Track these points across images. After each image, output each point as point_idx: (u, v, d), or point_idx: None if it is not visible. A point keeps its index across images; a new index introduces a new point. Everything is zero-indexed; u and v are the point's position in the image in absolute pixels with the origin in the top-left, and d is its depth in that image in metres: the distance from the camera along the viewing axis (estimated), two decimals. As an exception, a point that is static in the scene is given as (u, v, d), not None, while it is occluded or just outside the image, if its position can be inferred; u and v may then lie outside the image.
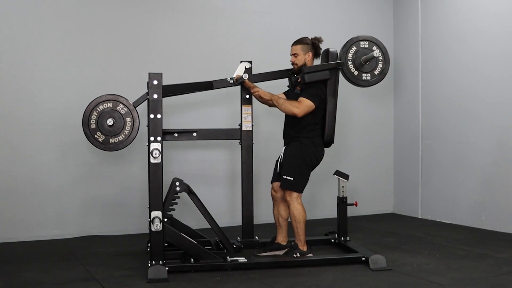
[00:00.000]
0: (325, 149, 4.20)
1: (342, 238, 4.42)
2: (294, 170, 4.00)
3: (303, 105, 3.97)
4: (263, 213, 5.21)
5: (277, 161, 4.20)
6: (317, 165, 4.14)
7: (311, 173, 4.13)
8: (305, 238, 4.04)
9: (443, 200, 5.66)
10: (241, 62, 4.24)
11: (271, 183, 4.21)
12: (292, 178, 3.99)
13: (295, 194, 4.00)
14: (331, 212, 4.84)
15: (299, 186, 4.02)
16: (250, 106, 4.34)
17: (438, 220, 5.68)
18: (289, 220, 4.15)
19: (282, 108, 4.03)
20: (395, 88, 6.32)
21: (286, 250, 4.08)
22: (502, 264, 3.87)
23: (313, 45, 4.13)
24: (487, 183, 5.19)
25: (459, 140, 5.49)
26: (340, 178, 4.45)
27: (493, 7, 5.15)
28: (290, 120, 4.13)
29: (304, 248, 4.01)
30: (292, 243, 4.05)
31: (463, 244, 4.51)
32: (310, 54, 4.12)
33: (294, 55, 4.15)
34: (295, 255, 3.96)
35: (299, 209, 3.99)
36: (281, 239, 4.16)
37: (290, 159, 4.04)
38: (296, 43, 4.16)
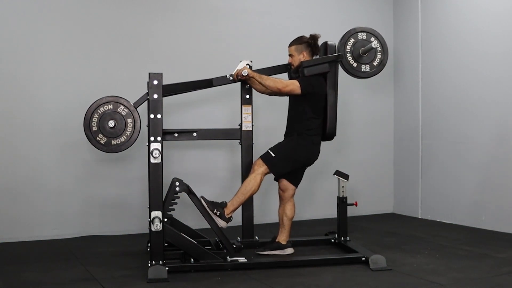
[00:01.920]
0: (326, 148, 4.20)
1: (342, 238, 4.42)
2: (282, 154, 4.00)
3: (289, 82, 4.00)
4: (263, 213, 5.21)
5: None
6: (309, 165, 4.14)
7: (310, 173, 4.12)
8: (238, 206, 3.92)
9: (443, 200, 5.66)
10: (241, 61, 4.25)
11: (276, 180, 4.19)
12: (274, 155, 3.98)
13: (263, 169, 3.95)
14: (331, 212, 4.83)
15: (274, 166, 3.98)
16: (250, 106, 4.33)
17: (438, 220, 5.68)
18: (289, 219, 4.15)
19: (266, 84, 4.01)
20: (395, 88, 6.31)
21: (219, 207, 3.84)
22: (502, 264, 3.87)
23: (307, 43, 4.13)
24: (487, 183, 5.19)
25: (459, 140, 5.49)
26: (340, 178, 4.45)
27: (493, 7, 5.15)
28: (293, 117, 4.13)
29: (228, 211, 3.85)
30: (223, 202, 3.91)
31: (463, 244, 4.51)
32: (305, 53, 4.12)
33: (290, 56, 4.17)
34: (215, 211, 3.81)
35: (255, 183, 3.91)
36: (282, 238, 4.15)
37: (284, 146, 4.06)
38: (291, 44, 4.18)
